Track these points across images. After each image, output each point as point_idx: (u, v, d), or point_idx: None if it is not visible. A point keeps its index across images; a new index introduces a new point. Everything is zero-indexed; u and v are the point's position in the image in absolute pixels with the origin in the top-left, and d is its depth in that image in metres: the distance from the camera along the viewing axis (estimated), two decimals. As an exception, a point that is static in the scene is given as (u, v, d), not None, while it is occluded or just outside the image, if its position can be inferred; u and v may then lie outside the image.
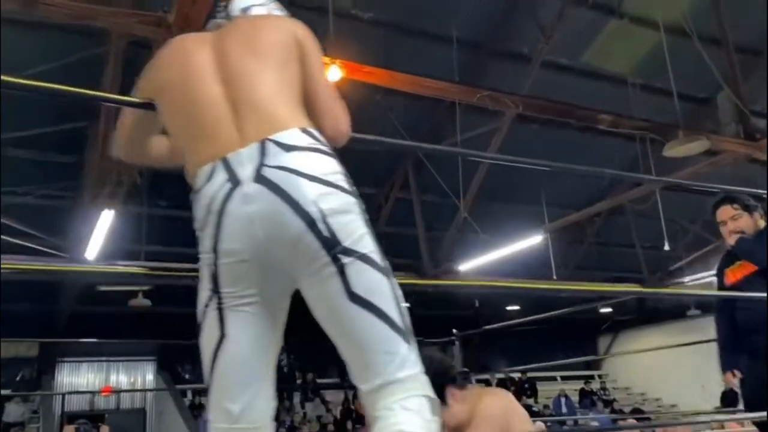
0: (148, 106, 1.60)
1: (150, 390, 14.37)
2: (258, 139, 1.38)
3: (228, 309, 1.39)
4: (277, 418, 12.36)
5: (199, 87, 1.47)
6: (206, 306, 1.41)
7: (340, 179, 1.42)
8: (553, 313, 4.50)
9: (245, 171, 1.35)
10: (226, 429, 1.39)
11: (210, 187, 1.37)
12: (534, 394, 16.05)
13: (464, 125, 8.59)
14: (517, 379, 15.67)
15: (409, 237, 10.59)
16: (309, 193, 1.33)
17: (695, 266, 11.41)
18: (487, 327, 4.99)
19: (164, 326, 9.54)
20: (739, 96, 5.44)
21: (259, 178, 1.34)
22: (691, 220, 11.26)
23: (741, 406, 3.53)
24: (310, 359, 15.11)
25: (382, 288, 1.36)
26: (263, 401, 1.43)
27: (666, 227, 9.71)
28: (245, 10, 1.65)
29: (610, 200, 9.25)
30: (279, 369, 14.07)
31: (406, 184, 10.33)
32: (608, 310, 17.14)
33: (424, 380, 1.36)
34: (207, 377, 1.42)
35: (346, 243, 1.34)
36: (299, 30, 1.59)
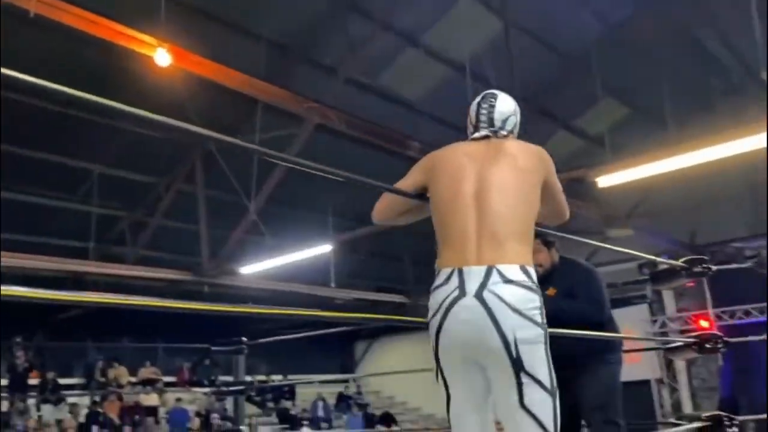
0: (420, 197, 2.14)
1: None
2: (488, 263, 1.82)
3: (447, 376, 1.91)
4: (8, 423, 10.82)
5: (461, 201, 1.95)
6: (436, 369, 1.95)
7: (536, 314, 1.83)
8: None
9: (472, 285, 1.80)
10: None
11: (445, 289, 1.85)
12: (293, 397, 16.24)
13: (263, 126, 8.44)
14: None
15: (189, 233, 10.08)
16: (509, 323, 1.77)
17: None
18: (286, 336, 4.92)
19: None
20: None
21: (479, 296, 1.78)
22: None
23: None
24: (52, 357, 13.58)
25: (545, 405, 1.81)
26: None
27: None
28: (505, 119, 2.14)
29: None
30: (12, 368, 12.30)
31: (192, 176, 9.81)
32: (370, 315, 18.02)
33: None
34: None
35: (527, 367, 1.79)
36: (547, 159, 2.09)
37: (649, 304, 10.12)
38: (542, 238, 3.57)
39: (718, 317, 9.68)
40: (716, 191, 9.74)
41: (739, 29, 9.31)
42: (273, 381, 15.36)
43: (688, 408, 9.21)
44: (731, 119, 6.43)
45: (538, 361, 1.80)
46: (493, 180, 1.94)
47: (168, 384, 14.18)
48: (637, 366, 10.28)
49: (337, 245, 9.86)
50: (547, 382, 1.80)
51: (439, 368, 1.92)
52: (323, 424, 15.17)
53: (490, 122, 2.11)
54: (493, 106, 2.13)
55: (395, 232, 12.28)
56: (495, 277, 1.80)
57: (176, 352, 15.62)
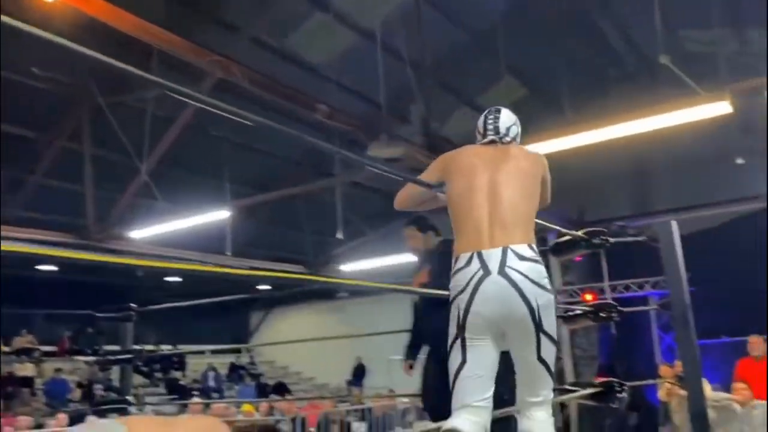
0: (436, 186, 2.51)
1: None
2: (501, 245, 2.17)
3: (468, 345, 2.18)
4: None
5: (476, 195, 2.31)
6: (453, 340, 2.21)
7: (547, 283, 2.24)
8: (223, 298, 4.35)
9: (493, 265, 2.14)
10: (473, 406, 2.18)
11: (469, 270, 2.17)
12: (182, 367, 15.78)
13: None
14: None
15: (73, 193, 9.40)
16: (532, 292, 2.14)
17: (354, 254, 12.49)
18: (178, 304, 4.67)
19: None
20: (428, 110, 6.12)
21: (502, 273, 2.12)
22: (361, 215, 12.25)
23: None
24: None
25: (553, 353, 2.25)
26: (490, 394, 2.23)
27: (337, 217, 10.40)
28: (508, 128, 2.54)
29: (298, 187, 9.44)
30: None
31: (78, 133, 9.12)
32: (266, 287, 17.75)
33: (549, 404, 2.33)
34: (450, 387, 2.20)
35: (545, 327, 2.19)
36: (543, 161, 2.54)
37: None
38: (418, 224, 3.71)
39: (613, 289, 10.25)
40: (604, 172, 10.23)
41: (637, 17, 9.80)
42: (162, 351, 14.82)
43: (570, 376, 9.74)
44: (624, 105, 6.69)
45: (552, 321, 2.22)
46: (502, 178, 2.34)
47: (47, 354, 13.34)
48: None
49: (235, 211, 9.53)
50: (555, 336, 2.24)
51: (461, 338, 2.18)
52: (214, 395, 14.86)
53: (496, 130, 2.52)
54: (497, 118, 2.55)
55: (296, 200, 12.08)
56: (511, 255, 2.17)
57: (57, 319, 14.72)
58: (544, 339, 2.17)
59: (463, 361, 2.18)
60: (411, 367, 4.00)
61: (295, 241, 13.27)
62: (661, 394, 7.25)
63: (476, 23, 10.40)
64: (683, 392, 3.98)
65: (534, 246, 2.24)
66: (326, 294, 17.44)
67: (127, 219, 9.15)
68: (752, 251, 8.96)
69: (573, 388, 2.88)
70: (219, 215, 9.10)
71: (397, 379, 15.12)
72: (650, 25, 5.72)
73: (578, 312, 2.94)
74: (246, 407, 8.63)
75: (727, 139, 8.72)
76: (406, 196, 2.64)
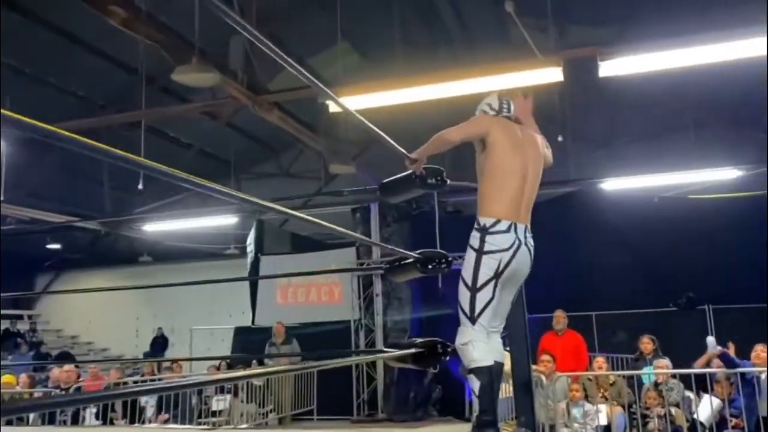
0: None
1: None
2: (526, 222, 2.97)
3: (499, 285, 2.90)
4: None
5: (518, 170, 2.97)
6: (487, 281, 2.87)
7: None
8: None
9: (522, 236, 2.92)
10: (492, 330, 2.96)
11: (510, 236, 2.89)
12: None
13: None
14: None
15: None
16: (532, 259, 3.02)
17: (162, 213, 11.32)
18: None
19: None
20: (251, 46, 5.40)
21: (526, 244, 2.94)
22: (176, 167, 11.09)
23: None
24: None
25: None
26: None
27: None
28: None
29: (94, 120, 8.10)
30: None
31: None
32: (56, 246, 15.77)
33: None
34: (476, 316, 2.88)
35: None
36: (544, 139, 3.23)
37: (356, 248, 10.30)
38: None
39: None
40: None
41: None
42: None
43: (380, 346, 9.60)
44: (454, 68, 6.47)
45: None
46: (530, 162, 2.97)
47: None
48: (338, 307, 10.44)
49: (13, 151, 8.04)
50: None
51: (496, 284, 2.84)
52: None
53: (509, 109, 3.13)
54: (510, 104, 3.14)
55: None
56: (528, 233, 2.94)
57: None
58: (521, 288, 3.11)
59: (492, 297, 2.84)
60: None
61: (91, 194, 11.76)
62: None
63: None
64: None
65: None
66: (128, 258, 15.88)
67: None
68: (563, 233, 9.44)
69: (391, 351, 2.45)
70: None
71: (199, 351, 14.25)
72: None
73: (409, 261, 2.52)
74: (6, 378, 7.30)
75: (552, 113, 9.02)
76: (446, 141, 2.97)
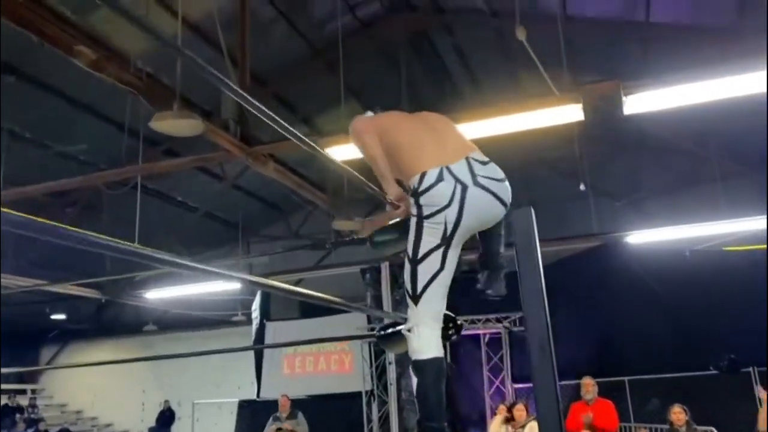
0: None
1: None
2: (464, 156, 2.40)
3: (451, 252, 2.28)
4: None
5: (418, 121, 2.58)
6: (431, 250, 2.26)
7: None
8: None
9: (464, 176, 2.31)
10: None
11: (446, 184, 2.28)
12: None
13: None
14: None
15: None
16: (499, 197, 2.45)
17: (163, 279, 10.87)
18: None
19: None
20: (248, 105, 5.02)
21: (477, 183, 2.31)
22: (180, 235, 10.71)
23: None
24: None
25: None
26: None
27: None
28: None
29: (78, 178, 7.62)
30: None
31: None
32: (60, 316, 15.33)
33: None
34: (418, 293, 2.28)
35: None
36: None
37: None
38: None
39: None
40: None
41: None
42: None
43: (395, 420, 8.87)
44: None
45: None
46: (427, 116, 2.64)
47: None
48: (348, 377, 9.76)
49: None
50: None
51: (445, 252, 2.25)
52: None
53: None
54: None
55: (95, 207, 10.29)
56: (474, 167, 2.31)
57: None
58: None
59: (440, 268, 2.27)
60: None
61: (94, 262, 11.36)
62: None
63: (317, 36, 9.62)
64: None
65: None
66: (132, 328, 15.36)
67: None
68: (587, 291, 8.81)
69: None
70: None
71: (205, 426, 13.46)
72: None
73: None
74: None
75: (573, 167, 8.56)
76: (372, 155, 2.50)
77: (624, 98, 4.17)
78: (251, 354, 11.86)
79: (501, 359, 9.63)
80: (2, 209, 0.92)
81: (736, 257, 8.67)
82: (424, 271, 2.26)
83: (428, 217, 2.23)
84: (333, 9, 8.90)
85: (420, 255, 2.26)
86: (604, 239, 8.72)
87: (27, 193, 6.83)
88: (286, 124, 1.92)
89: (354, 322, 9.46)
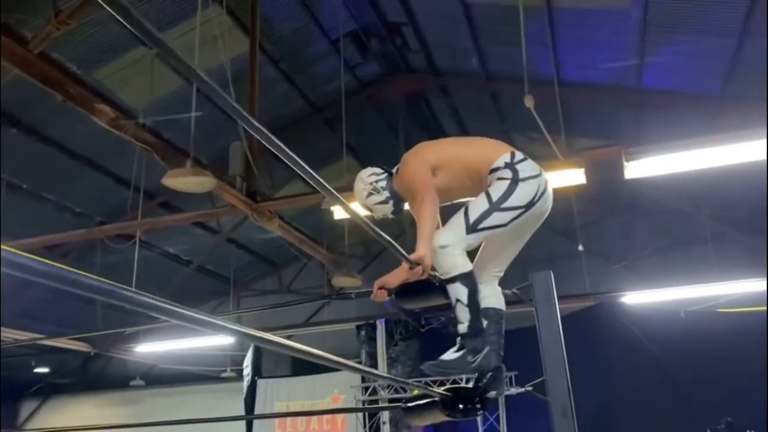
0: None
1: None
2: None
3: (520, 219, 2.51)
4: None
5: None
6: (514, 207, 2.47)
7: None
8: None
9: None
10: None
11: (536, 164, 2.66)
12: None
13: None
14: None
15: None
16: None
17: (154, 333, 10.71)
18: None
19: None
20: (252, 153, 5.11)
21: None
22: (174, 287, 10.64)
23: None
24: None
25: None
26: None
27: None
28: None
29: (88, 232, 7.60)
30: None
31: None
32: (44, 369, 14.98)
33: None
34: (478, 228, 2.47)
35: None
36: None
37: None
38: None
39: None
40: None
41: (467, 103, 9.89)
42: None
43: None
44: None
45: None
46: None
47: None
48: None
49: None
50: None
51: (519, 215, 2.46)
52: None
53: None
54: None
55: (86, 260, 10.21)
56: None
57: None
58: None
59: (506, 224, 2.45)
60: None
61: (83, 314, 11.22)
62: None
63: (319, 94, 9.84)
64: None
65: None
66: (119, 382, 15.01)
67: None
68: (581, 352, 8.73)
69: None
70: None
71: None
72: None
73: (434, 399, 1.97)
74: None
75: (569, 228, 8.64)
76: (430, 211, 2.54)
77: (625, 163, 4.29)
78: (239, 412, 11.60)
79: (497, 419, 9.49)
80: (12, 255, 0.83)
81: (730, 319, 8.72)
82: (496, 218, 2.43)
83: (524, 179, 2.46)
84: (333, 69, 9.14)
85: (504, 205, 2.43)
86: (600, 299, 8.76)
87: (25, 245, 6.80)
88: (321, 180, 1.79)
89: (348, 380, 9.32)
